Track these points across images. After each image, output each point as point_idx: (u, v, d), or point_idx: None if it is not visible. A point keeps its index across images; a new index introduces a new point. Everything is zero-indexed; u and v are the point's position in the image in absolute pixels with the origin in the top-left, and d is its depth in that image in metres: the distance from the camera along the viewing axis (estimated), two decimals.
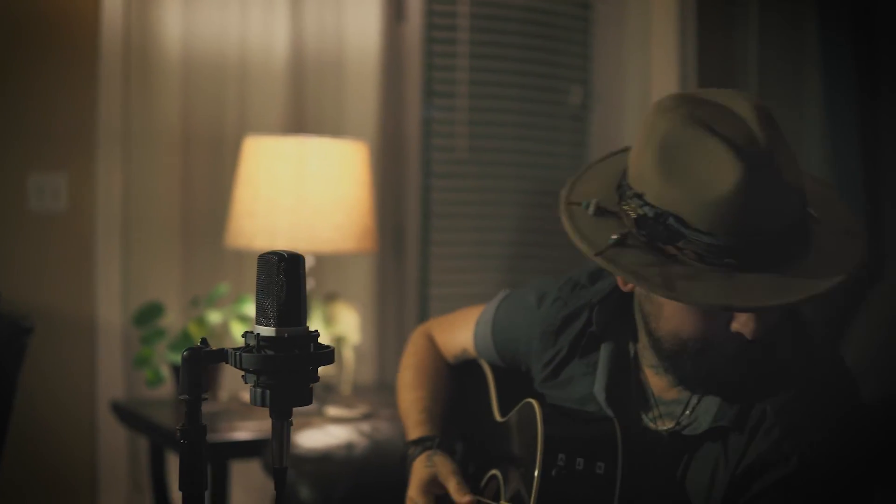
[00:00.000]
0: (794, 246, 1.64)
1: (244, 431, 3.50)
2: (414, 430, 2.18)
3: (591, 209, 1.72)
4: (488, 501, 1.98)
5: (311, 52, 4.45)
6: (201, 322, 3.68)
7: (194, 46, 4.28)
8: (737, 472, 1.72)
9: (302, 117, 4.45)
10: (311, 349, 1.51)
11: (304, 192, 3.61)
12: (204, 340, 1.55)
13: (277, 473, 1.52)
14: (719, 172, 1.58)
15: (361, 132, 4.47)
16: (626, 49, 4.97)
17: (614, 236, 1.68)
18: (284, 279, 1.48)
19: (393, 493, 2.19)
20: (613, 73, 5.02)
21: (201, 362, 1.52)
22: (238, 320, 3.77)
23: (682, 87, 4.60)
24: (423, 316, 4.64)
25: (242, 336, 1.52)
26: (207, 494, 3.45)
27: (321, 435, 3.23)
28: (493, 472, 2.04)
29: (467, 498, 1.95)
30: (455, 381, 2.31)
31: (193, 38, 4.27)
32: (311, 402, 1.53)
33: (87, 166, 4.23)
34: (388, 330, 4.62)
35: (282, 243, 3.60)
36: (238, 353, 1.49)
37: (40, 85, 4.16)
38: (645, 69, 4.85)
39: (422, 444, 2.11)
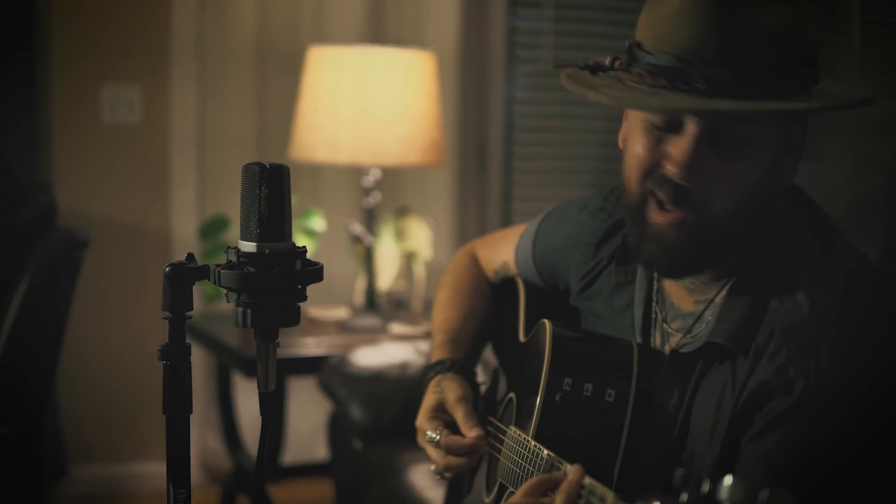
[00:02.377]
0: (782, 86, 1.49)
1: (302, 347, 3.45)
2: (433, 353, 2.07)
3: (587, 65, 1.64)
4: (498, 423, 1.87)
5: None
6: None
7: None
8: (739, 403, 1.53)
9: (381, 28, 4.35)
10: (297, 266, 1.40)
11: (368, 103, 3.51)
12: (190, 256, 1.45)
13: (263, 399, 1.43)
14: None
15: (443, 43, 4.36)
16: None
17: (589, 62, 1.62)
18: (267, 191, 1.38)
19: None
20: None
21: (184, 279, 1.43)
22: (303, 234, 3.70)
23: None
24: None
25: (224, 251, 1.42)
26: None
27: (376, 353, 3.16)
28: (510, 394, 1.92)
29: (473, 432, 1.83)
30: (495, 300, 2.18)
31: None
32: (297, 323, 1.42)
33: (161, 79, 4.20)
34: None
35: (344, 156, 3.52)
36: (218, 269, 1.39)
37: None
38: None
39: (435, 368, 2.00)
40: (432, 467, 1.93)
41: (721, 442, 1.54)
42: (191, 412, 1.45)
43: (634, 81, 1.55)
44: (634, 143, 1.59)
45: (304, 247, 1.42)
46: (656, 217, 1.58)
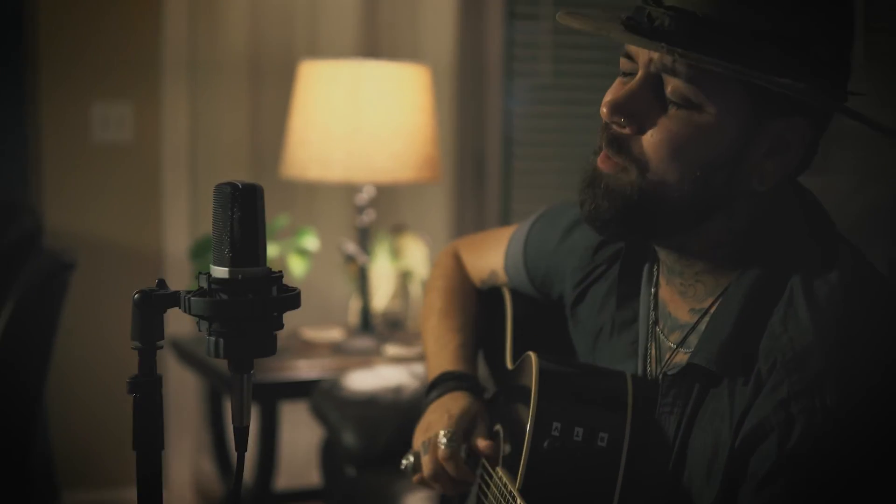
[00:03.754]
0: (739, 53, 1.38)
1: (294, 370, 3.38)
2: (454, 363, 1.94)
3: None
4: (485, 463, 1.77)
5: None
6: None
7: None
8: (737, 439, 1.39)
9: (376, 42, 4.28)
10: (273, 292, 1.31)
11: (360, 118, 3.43)
12: (161, 282, 1.36)
13: (238, 432, 1.34)
14: None
15: (439, 56, 4.29)
16: None
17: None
18: (239, 213, 1.29)
19: None
20: None
21: (153, 307, 1.34)
22: (296, 254, 3.62)
23: None
24: None
25: (196, 277, 1.33)
26: (257, 434, 3.37)
27: (370, 376, 3.08)
28: (497, 426, 1.81)
29: (486, 443, 1.75)
30: (484, 308, 2.08)
31: None
32: (273, 353, 1.33)
33: (152, 96, 4.13)
34: None
35: (336, 173, 3.44)
36: (188, 296, 1.30)
37: (104, 12, 4.05)
38: None
39: (464, 380, 1.88)
40: (409, 459, 1.83)
41: (721, 478, 1.43)
42: (162, 448, 1.36)
43: (612, 17, 1.47)
44: (608, 91, 1.50)
45: (280, 272, 1.33)
46: (599, 162, 1.48)
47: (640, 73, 1.44)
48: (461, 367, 1.93)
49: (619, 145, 1.45)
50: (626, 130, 1.44)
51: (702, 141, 1.42)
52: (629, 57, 1.47)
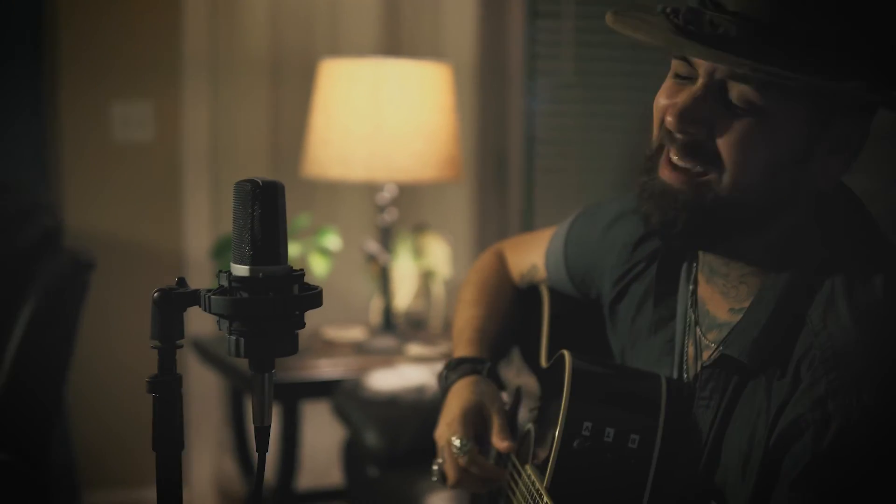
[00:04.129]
0: (811, 62, 1.37)
1: (316, 370, 3.36)
2: (461, 348, 1.93)
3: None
4: (515, 460, 1.74)
5: None
6: None
7: None
8: (773, 436, 1.38)
9: (397, 40, 4.26)
10: (294, 291, 1.29)
11: (381, 117, 3.41)
12: (181, 280, 1.35)
13: (259, 432, 1.32)
14: None
15: (461, 55, 4.26)
16: None
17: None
18: (260, 210, 1.27)
19: None
20: None
21: (173, 305, 1.32)
22: (318, 253, 3.60)
23: None
24: None
25: (216, 276, 1.31)
26: (279, 433, 3.35)
27: (393, 376, 3.06)
28: (529, 426, 1.78)
29: (506, 444, 1.72)
30: (519, 305, 2.05)
31: None
32: (295, 352, 1.32)
33: (173, 95, 4.12)
34: None
35: (358, 172, 3.42)
36: (209, 295, 1.28)
37: (124, 11, 4.05)
38: None
39: (471, 363, 1.86)
40: (435, 468, 1.80)
41: (756, 476, 1.41)
42: (182, 448, 1.35)
43: (663, 20, 1.45)
44: (660, 92, 1.50)
45: (302, 270, 1.31)
46: (663, 172, 1.48)
47: (703, 80, 1.44)
48: (468, 352, 1.92)
49: (694, 150, 1.45)
50: (685, 135, 1.44)
51: (771, 142, 1.42)
52: (687, 61, 1.46)
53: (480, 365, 1.86)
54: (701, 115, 1.43)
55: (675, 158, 1.46)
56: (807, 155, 1.43)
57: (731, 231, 1.47)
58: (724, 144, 1.42)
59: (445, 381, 1.86)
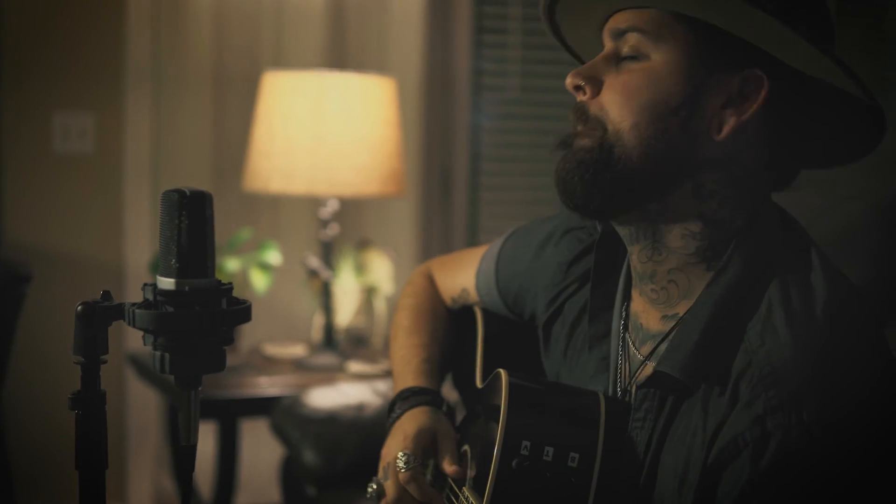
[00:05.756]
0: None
1: (255, 387, 3.31)
2: (414, 378, 1.89)
3: None
4: (452, 484, 1.71)
5: None
6: (218, 270, 3.46)
7: None
8: (710, 455, 1.34)
9: (343, 53, 4.24)
10: (222, 305, 1.25)
11: (324, 130, 3.38)
12: (106, 294, 1.31)
13: (185, 452, 1.28)
14: None
15: (406, 69, 4.25)
16: None
17: None
18: (187, 221, 1.23)
19: None
20: None
21: (97, 319, 1.29)
22: (259, 268, 3.55)
23: None
24: None
25: (142, 289, 1.28)
26: (216, 451, 3.31)
27: (332, 393, 3.02)
28: (465, 447, 1.75)
29: (454, 468, 1.68)
30: (454, 328, 2.02)
31: None
32: (222, 369, 1.28)
33: (115, 106, 4.07)
34: None
35: (299, 186, 3.38)
36: (133, 308, 1.25)
37: (67, 21, 3.99)
38: None
39: (427, 395, 1.82)
40: (372, 487, 1.76)
41: (693, 497, 1.38)
42: (106, 467, 1.31)
43: None
44: None
45: (230, 283, 1.27)
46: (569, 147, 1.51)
47: (605, 50, 1.49)
48: (422, 383, 1.88)
49: (582, 111, 1.48)
50: (587, 96, 1.47)
51: (652, 85, 1.44)
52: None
53: (438, 398, 1.83)
54: (592, 74, 1.46)
55: (574, 128, 1.49)
56: (694, 102, 1.43)
57: (624, 181, 1.45)
58: (606, 97, 1.45)
59: (398, 411, 1.83)
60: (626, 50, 1.45)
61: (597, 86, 1.46)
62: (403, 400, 1.83)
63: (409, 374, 1.91)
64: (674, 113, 1.42)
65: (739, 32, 1.42)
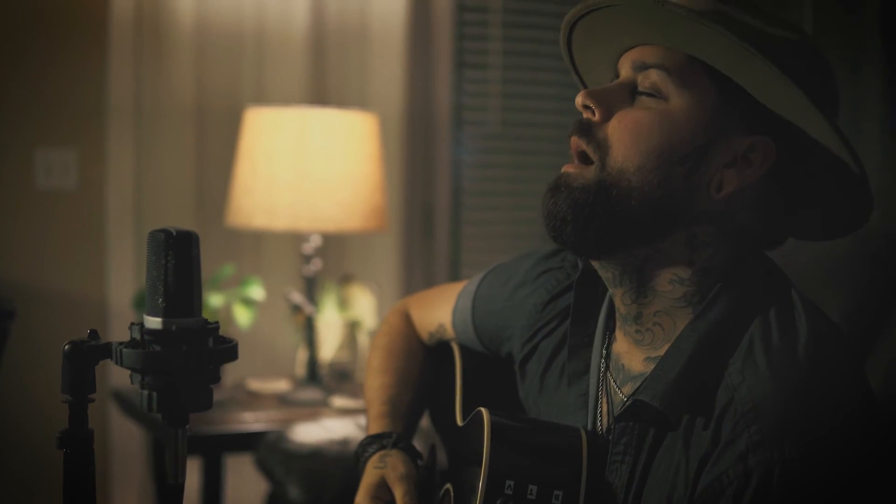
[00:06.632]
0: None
1: (239, 423, 3.31)
2: (372, 425, 1.90)
3: None
4: None
5: (332, 20, 4.25)
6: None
7: (208, 16, 4.09)
8: (695, 494, 1.35)
9: (323, 90, 4.25)
10: (209, 344, 1.26)
11: (306, 166, 3.40)
12: (93, 333, 1.32)
13: (172, 490, 1.28)
14: None
15: (388, 105, 4.26)
16: None
17: None
18: (174, 261, 1.25)
19: None
20: None
21: (85, 358, 1.29)
22: (242, 304, 3.56)
23: None
24: None
25: (129, 328, 1.29)
26: (201, 487, 3.30)
27: (316, 429, 3.03)
28: (447, 486, 1.76)
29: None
30: (430, 365, 2.02)
31: (207, 7, 4.09)
32: (209, 407, 1.29)
33: (97, 142, 4.07)
34: None
35: (282, 222, 3.40)
36: (120, 348, 1.26)
37: (48, 56, 4.00)
38: None
39: (378, 441, 1.82)
40: None
41: None
42: None
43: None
44: None
45: (217, 322, 1.28)
46: (565, 168, 1.49)
47: (621, 78, 1.48)
48: (381, 427, 1.87)
49: (587, 130, 1.46)
50: (596, 118, 1.45)
51: (665, 129, 1.43)
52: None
53: (386, 439, 1.82)
54: (605, 99, 1.46)
55: (572, 144, 1.48)
56: (701, 157, 1.43)
57: (618, 224, 1.44)
58: (616, 126, 1.44)
59: (360, 463, 1.83)
60: (646, 85, 1.44)
61: (608, 112, 1.45)
62: (362, 451, 1.83)
63: (371, 420, 1.91)
64: (680, 162, 1.42)
65: (762, 98, 1.42)
